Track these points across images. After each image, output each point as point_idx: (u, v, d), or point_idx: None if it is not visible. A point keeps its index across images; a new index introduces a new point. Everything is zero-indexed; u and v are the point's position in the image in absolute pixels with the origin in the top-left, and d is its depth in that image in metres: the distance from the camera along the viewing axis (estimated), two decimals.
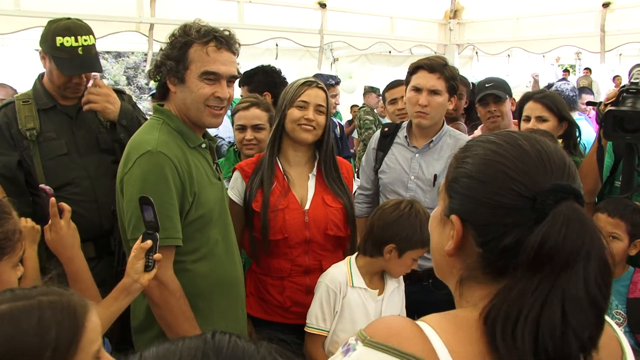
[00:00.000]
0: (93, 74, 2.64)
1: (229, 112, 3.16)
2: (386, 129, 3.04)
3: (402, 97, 3.94)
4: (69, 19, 2.58)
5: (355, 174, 3.70)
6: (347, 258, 2.42)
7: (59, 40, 2.47)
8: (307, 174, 2.58)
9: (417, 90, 2.77)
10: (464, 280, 1.00)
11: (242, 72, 2.33)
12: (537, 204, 0.90)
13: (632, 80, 2.49)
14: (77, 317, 1.10)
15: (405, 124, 2.98)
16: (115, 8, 4.70)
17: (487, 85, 3.79)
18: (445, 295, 1.33)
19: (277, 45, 7.53)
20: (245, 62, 2.53)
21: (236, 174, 2.61)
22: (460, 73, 3.29)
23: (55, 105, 2.61)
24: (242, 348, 0.61)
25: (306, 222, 2.48)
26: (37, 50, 2.59)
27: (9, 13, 4.18)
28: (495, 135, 1.01)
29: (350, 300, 2.31)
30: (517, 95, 3.85)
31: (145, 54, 6.35)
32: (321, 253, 2.52)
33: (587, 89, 7.30)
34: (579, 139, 3.09)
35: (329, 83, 5.52)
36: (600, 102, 2.65)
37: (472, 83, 4.77)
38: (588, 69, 13.32)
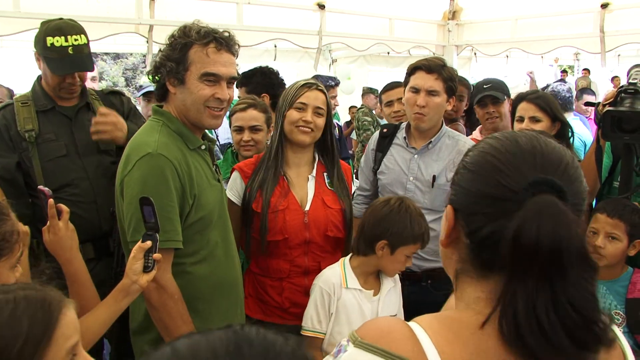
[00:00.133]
0: (92, 75, 2.64)
1: (228, 114, 3.17)
2: (385, 130, 3.04)
3: (399, 99, 3.94)
4: (61, 19, 2.58)
5: (354, 175, 3.71)
6: (341, 259, 2.42)
7: (49, 40, 2.47)
8: (307, 175, 2.58)
9: (415, 90, 2.77)
10: (458, 274, 1.02)
11: (240, 73, 2.33)
12: (518, 196, 0.91)
13: (631, 81, 2.50)
14: (51, 310, 1.12)
15: (404, 125, 2.98)
16: (114, 9, 4.71)
17: (485, 86, 3.80)
18: (444, 295, 1.34)
19: (275, 46, 7.54)
20: (244, 63, 2.54)
21: (235, 174, 2.62)
22: (459, 74, 3.29)
23: (54, 107, 2.61)
24: (272, 339, 0.62)
25: (306, 223, 2.48)
26: (34, 51, 2.60)
27: (8, 15, 4.18)
28: (501, 132, 1.03)
29: (345, 302, 2.30)
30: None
31: (144, 55, 6.35)
32: (320, 254, 2.52)
33: (588, 90, 7.29)
34: (571, 139, 3.11)
35: (328, 84, 5.52)
36: (599, 103, 2.65)
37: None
38: (587, 70, 13.32)
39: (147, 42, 4.96)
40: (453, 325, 0.95)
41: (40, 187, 1.95)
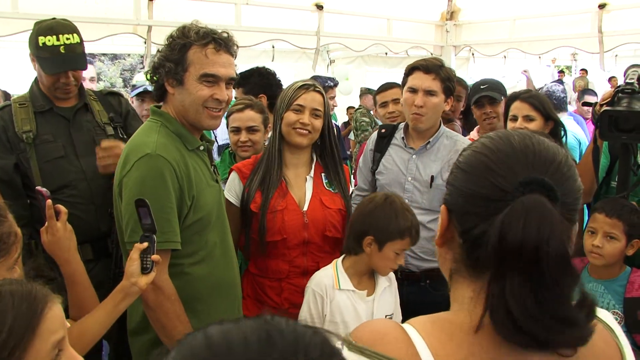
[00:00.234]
0: (90, 76, 2.64)
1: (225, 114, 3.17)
2: (383, 130, 3.04)
3: (394, 100, 3.94)
4: (54, 19, 2.57)
5: (351, 176, 3.71)
6: (334, 261, 2.41)
7: (41, 40, 2.47)
8: (305, 175, 2.58)
9: (413, 91, 2.78)
10: (452, 274, 1.02)
11: (238, 74, 2.33)
12: (509, 196, 0.90)
13: (627, 81, 2.50)
14: (36, 304, 1.13)
15: (402, 125, 2.98)
16: (112, 10, 4.72)
17: (482, 87, 3.81)
18: (442, 295, 1.34)
19: (273, 47, 7.54)
20: (242, 64, 2.54)
21: (233, 174, 2.62)
22: (457, 75, 3.30)
23: (52, 108, 2.60)
24: (301, 330, 0.62)
25: (305, 223, 2.48)
26: (29, 53, 2.59)
27: (6, 15, 4.19)
28: (495, 132, 1.03)
29: (339, 303, 2.29)
30: None
31: (142, 56, 6.35)
32: (319, 254, 2.53)
33: (590, 91, 7.30)
34: (564, 138, 3.12)
35: (327, 85, 5.52)
36: (596, 103, 2.66)
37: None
38: (584, 70, 13.35)
39: (145, 42, 4.96)
40: (447, 326, 0.95)
41: (38, 187, 1.95)
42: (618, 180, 2.61)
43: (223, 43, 2.08)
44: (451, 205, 1.00)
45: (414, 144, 2.88)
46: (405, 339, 0.91)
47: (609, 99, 2.52)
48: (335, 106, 6.26)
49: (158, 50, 2.14)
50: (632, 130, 2.37)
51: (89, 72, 4.20)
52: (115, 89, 3.65)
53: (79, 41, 2.55)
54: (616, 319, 2.37)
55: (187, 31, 2.05)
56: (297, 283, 2.51)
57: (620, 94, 2.47)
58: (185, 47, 2.04)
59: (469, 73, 8.67)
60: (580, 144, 4.20)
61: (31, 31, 2.56)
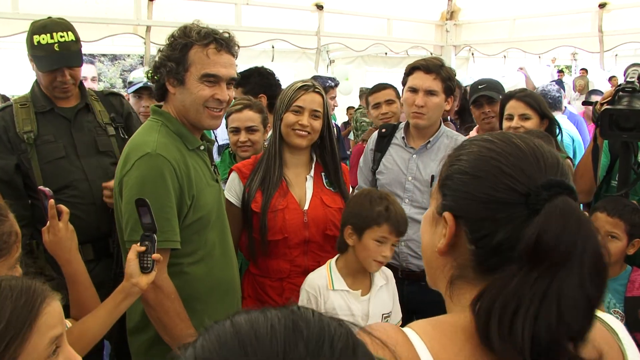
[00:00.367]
0: (92, 76, 2.63)
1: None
2: (384, 130, 3.04)
3: (387, 100, 3.94)
4: (49, 18, 2.57)
5: None
6: (328, 261, 2.41)
7: (35, 39, 2.47)
8: (305, 175, 2.59)
9: (414, 91, 2.78)
10: (454, 280, 1.00)
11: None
12: (531, 199, 0.90)
13: (628, 80, 2.50)
14: (34, 298, 1.15)
15: (402, 124, 2.99)
16: (112, 11, 4.73)
17: (480, 87, 3.82)
18: (442, 295, 1.34)
19: (273, 47, 7.54)
20: (242, 64, 2.54)
21: (233, 175, 2.62)
22: (456, 74, 3.30)
23: (53, 108, 2.60)
24: (327, 321, 0.63)
25: (305, 223, 2.48)
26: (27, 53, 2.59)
27: (7, 16, 4.19)
28: (489, 134, 1.02)
29: (333, 304, 2.28)
30: None
31: (141, 57, 6.35)
32: (320, 254, 2.53)
33: (597, 91, 7.29)
34: (559, 136, 3.13)
35: (328, 85, 5.52)
36: (597, 102, 2.66)
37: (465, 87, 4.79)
38: (584, 70, 13.34)
39: (145, 43, 4.97)
40: (448, 329, 0.94)
41: (41, 187, 1.95)
42: (619, 179, 2.61)
43: (224, 43, 2.08)
44: (459, 212, 0.97)
45: (414, 144, 2.88)
46: (405, 343, 0.90)
47: (610, 98, 2.52)
48: (336, 106, 6.26)
49: (159, 50, 2.14)
50: (633, 129, 2.37)
51: (90, 72, 4.19)
52: (115, 90, 3.62)
53: (74, 39, 2.54)
54: (617, 318, 2.37)
55: (188, 31, 2.06)
56: (298, 283, 2.50)
57: (620, 93, 2.47)
58: (187, 46, 2.04)
59: (469, 73, 8.67)
60: (573, 141, 4.21)
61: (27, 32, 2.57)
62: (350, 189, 3.04)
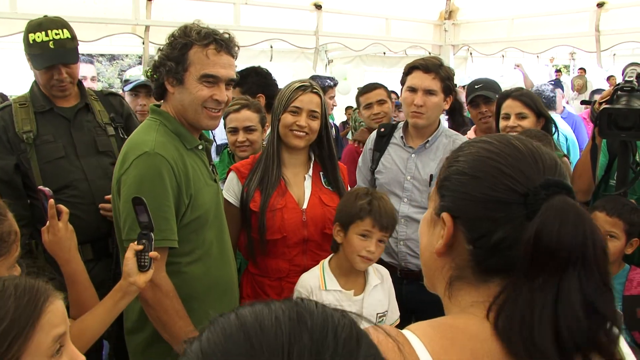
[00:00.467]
0: (92, 75, 2.63)
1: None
2: (382, 130, 3.05)
3: (378, 101, 3.92)
4: (45, 16, 2.57)
5: None
6: (321, 262, 2.41)
7: (31, 37, 2.48)
8: (303, 174, 2.59)
9: (413, 90, 2.78)
10: (453, 281, 1.00)
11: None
12: (529, 199, 0.90)
13: (626, 79, 2.51)
14: (38, 297, 1.15)
15: (401, 124, 2.99)
16: (111, 10, 4.72)
17: (476, 86, 3.82)
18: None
19: (271, 47, 7.54)
20: (240, 64, 2.54)
21: (231, 174, 2.62)
22: (455, 74, 3.31)
23: (52, 108, 2.60)
24: (330, 312, 0.64)
25: (304, 221, 2.48)
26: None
27: (5, 16, 4.18)
28: (487, 136, 1.03)
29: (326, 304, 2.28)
30: None
31: (140, 57, 6.34)
32: (319, 253, 2.53)
33: (600, 90, 7.30)
34: (555, 134, 3.14)
35: (327, 85, 5.51)
36: (595, 101, 2.67)
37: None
38: (582, 69, 13.35)
39: (144, 42, 4.96)
40: (448, 331, 0.94)
41: (41, 187, 1.95)
42: (617, 178, 2.61)
43: (224, 44, 2.09)
44: (457, 212, 0.98)
45: (413, 143, 2.88)
46: (406, 346, 0.90)
47: (608, 97, 2.53)
48: (335, 106, 6.25)
49: (159, 49, 2.15)
50: (631, 128, 2.37)
51: (90, 72, 4.19)
52: (113, 90, 3.62)
53: (69, 36, 2.54)
54: None
55: (188, 31, 2.06)
56: (297, 282, 2.51)
57: (619, 92, 2.48)
58: (187, 46, 2.04)
59: (467, 72, 8.67)
60: (567, 140, 4.23)
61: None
62: (348, 188, 3.05)
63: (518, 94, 3.16)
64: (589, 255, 0.86)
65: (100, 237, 2.60)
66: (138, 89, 3.61)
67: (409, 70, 2.84)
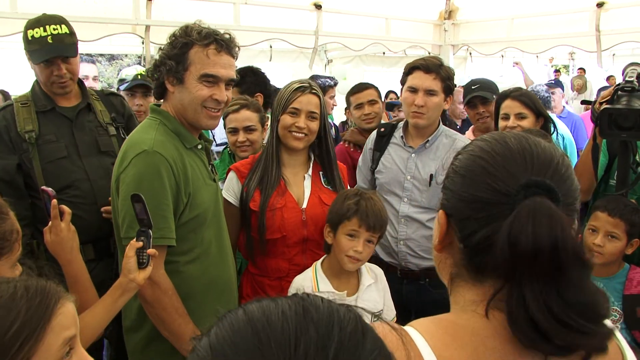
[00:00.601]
0: (93, 75, 2.63)
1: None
2: (382, 129, 3.05)
3: (369, 101, 3.90)
4: (44, 14, 2.57)
5: None
6: (314, 263, 2.42)
7: (29, 33, 2.48)
8: (303, 174, 2.59)
9: (413, 90, 2.79)
10: (453, 278, 1.01)
11: None
12: (510, 199, 0.90)
13: (627, 79, 2.51)
14: (49, 298, 1.15)
15: (401, 124, 2.99)
16: (111, 10, 4.72)
17: (473, 87, 3.83)
18: (442, 294, 1.34)
19: (271, 47, 7.53)
20: (240, 63, 2.54)
21: (231, 174, 2.62)
22: (454, 74, 3.31)
23: (54, 108, 2.60)
24: (336, 307, 0.65)
25: (304, 221, 2.49)
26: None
27: (5, 15, 4.18)
28: (489, 134, 1.03)
29: None
30: None
31: (139, 57, 6.34)
32: (318, 252, 2.53)
33: (606, 89, 7.31)
34: (554, 133, 3.15)
35: (327, 84, 5.51)
36: (595, 101, 2.67)
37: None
38: (582, 69, 13.34)
39: (144, 42, 4.96)
40: (450, 327, 0.94)
41: (44, 187, 1.95)
42: (617, 178, 2.62)
43: (225, 44, 2.09)
44: (450, 210, 0.99)
45: (413, 143, 2.89)
46: (408, 342, 0.90)
47: (609, 97, 2.53)
48: (335, 105, 6.25)
49: (160, 48, 2.15)
50: (632, 128, 2.38)
51: (91, 71, 4.19)
52: (113, 89, 3.61)
53: (67, 32, 2.54)
54: (615, 317, 2.38)
55: (189, 30, 2.06)
56: None
57: (619, 92, 2.48)
58: (187, 46, 2.05)
59: (467, 72, 8.67)
60: (563, 139, 4.23)
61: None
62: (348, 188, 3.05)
63: (517, 94, 3.17)
64: (561, 259, 0.84)
65: (101, 237, 2.60)
66: (135, 89, 3.61)
67: (410, 70, 2.84)
